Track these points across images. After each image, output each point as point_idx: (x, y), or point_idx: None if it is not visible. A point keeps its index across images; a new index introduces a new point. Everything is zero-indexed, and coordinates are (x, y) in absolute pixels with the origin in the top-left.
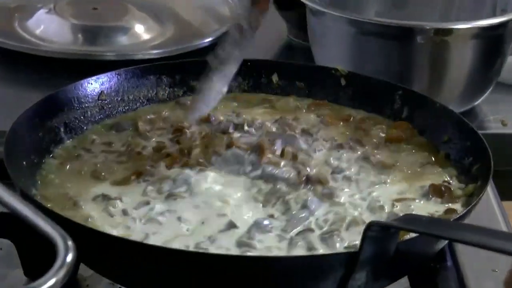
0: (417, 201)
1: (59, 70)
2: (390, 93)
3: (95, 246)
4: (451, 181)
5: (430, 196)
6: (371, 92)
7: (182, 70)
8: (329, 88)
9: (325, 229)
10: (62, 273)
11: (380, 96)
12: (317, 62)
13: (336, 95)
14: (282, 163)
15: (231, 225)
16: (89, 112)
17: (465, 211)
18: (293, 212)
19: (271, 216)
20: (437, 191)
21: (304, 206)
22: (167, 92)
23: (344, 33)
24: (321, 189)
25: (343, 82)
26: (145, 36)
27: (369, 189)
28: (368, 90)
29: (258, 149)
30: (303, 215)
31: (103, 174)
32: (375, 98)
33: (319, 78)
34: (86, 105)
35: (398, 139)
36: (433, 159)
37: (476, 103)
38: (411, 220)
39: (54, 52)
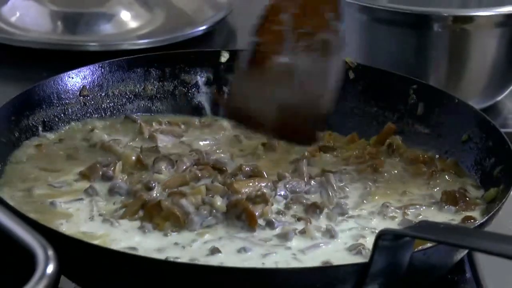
0: (432, 208)
1: (37, 62)
2: (404, 87)
3: (79, 257)
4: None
5: (443, 205)
6: (383, 86)
7: (173, 62)
8: None
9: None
10: (42, 285)
11: (392, 91)
12: None
13: (344, 89)
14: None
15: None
16: (70, 109)
17: (487, 217)
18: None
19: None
20: (451, 199)
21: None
22: (156, 86)
23: (354, 20)
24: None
25: (351, 75)
26: (132, 24)
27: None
28: (380, 84)
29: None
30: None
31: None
32: (387, 93)
33: None
34: (67, 101)
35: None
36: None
37: (499, 98)
38: (426, 228)
39: (31, 42)
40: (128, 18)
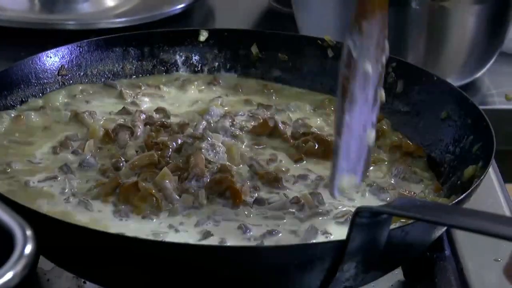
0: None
1: (14, 41)
2: None
3: (57, 237)
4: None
5: None
6: None
7: (151, 41)
8: (315, 61)
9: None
10: (20, 265)
11: None
12: (300, 31)
13: (323, 68)
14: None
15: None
16: (48, 89)
17: (465, 194)
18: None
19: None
20: None
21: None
22: (134, 66)
23: None
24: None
25: (330, 53)
26: (109, 2)
27: None
28: None
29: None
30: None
31: None
32: None
33: (304, 49)
34: (45, 81)
35: None
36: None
37: (478, 75)
38: (403, 205)
39: (8, 21)
40: None
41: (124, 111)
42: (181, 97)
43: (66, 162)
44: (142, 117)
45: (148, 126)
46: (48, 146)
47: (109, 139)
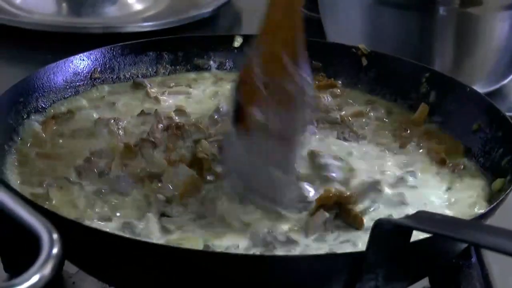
0: None
1: (41, 44)
2: (416, 75)
3: (81, 242)
4: None
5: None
6: (395, 74)
7: (186, 46)
8: (348, 69)
9: None
10: (47, 268)
11: (405, 79)
12: (328, 37)
13: (356, 76)
14: None
15: None
16: (80, 91)
17: (489, 208)
18: None
19: None
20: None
21: None
22: (168, 70)
23: (358, 4)
24: None
25: (364, 62)
26: (137, 6)
27: None
28: (392, 72)
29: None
30: None
31: None
32: (399, 81)
33: (338, 57)
34: (77, 83)
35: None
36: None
37: (506, 81)
38: (423, 219)
39: (36, 24)
40: (133, 1)
41: (142, 114)
42: (207, 89)
43: (131, 222)
44: (159, 126)
45: (166, 132)
46: (74, 163)
47: (131, 153)
